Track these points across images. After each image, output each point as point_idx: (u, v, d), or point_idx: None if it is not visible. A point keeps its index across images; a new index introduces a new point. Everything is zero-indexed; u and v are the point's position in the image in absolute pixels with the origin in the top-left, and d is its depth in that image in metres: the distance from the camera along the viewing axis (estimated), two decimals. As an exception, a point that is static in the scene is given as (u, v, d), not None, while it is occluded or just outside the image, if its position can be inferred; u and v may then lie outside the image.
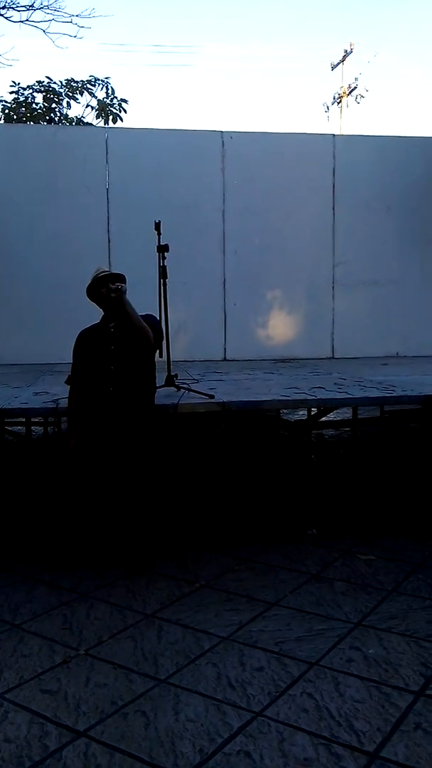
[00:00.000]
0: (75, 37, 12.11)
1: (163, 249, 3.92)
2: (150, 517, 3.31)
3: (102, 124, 12.85)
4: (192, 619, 2.68)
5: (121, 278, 3.38)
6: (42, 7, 10.25)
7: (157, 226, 3.93)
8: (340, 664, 2.31)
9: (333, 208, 7.12)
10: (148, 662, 2.35)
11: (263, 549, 3.50)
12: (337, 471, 5.07)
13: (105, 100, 12.99)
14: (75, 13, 13.71)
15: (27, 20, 10.44)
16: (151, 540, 3.31)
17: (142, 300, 3.63)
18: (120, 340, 3.40)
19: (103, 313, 3.50)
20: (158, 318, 3.71)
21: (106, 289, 3.32)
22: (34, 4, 10.21)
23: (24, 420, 5.13)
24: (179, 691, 2.17)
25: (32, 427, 5.37)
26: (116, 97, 13.01)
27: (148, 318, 3.46)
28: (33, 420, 5.23)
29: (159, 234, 3.93)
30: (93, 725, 2.00)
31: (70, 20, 11.00)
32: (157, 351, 3.64)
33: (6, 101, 12.93)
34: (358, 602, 2.81)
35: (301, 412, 6.03)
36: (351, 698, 2.11)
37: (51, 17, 10.83)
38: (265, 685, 2.20)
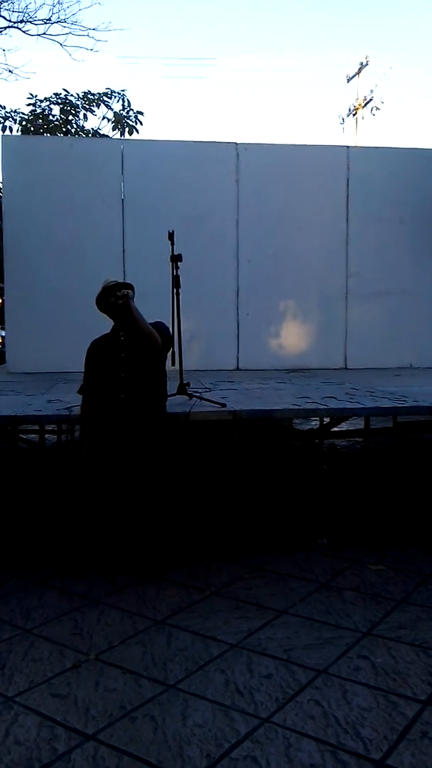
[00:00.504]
0: (91, 50, 12.37)
1: (176, 259, 3.96)
2: (161, 524, 3.34)
3: (118, 136, 13.04)
4: (201, 625, 2.70)
5: (128, 286, 3.44)
6: (59, 21, 10.48)
7: (171, 236, 3.98)
8: (347, 673, 2.31)
9: (346, 220, 7.16)
10: (157, 668, 2.37)
11: (274, 558, 3.50)
12: (349, 481, 5.06)
13: (121, 112, 13.20)
14: (92, 27, 13.97)
15: (44, 34, 10.67)
16: (162, 547, 3.33)
17: (155, 309, 3.68)
18: (130, 348, 3.45)
19: (113, 324, 3.56)
20: (169, 326, 3.75)
21: (114, 297, 3.38)
22: (52, 18, 10.43)
23: (38, 427, 5.19)
24: (188, 697, 2.18)
25: (45, 435, 5.42)
26: (132, 110, 13.23)
27: (157, 325, 3.51)
28: (47, 428, 5.30)
29: (173, 244, 3.97)
30: (102, 729, 2.02)
31: (87, 33, 11.23)
32: (169, 359, 3.68)
33: (23, 113, 13.17)
34: (367, 612, 2.81)
35: (313, 422, 6.03)
36: (358, 706, 2.11)
37: (68, 31, 11.08)
38: (272, 691, 2.21)
